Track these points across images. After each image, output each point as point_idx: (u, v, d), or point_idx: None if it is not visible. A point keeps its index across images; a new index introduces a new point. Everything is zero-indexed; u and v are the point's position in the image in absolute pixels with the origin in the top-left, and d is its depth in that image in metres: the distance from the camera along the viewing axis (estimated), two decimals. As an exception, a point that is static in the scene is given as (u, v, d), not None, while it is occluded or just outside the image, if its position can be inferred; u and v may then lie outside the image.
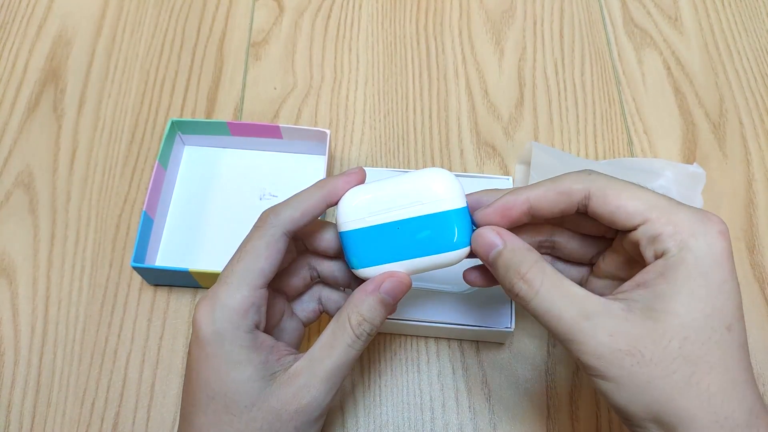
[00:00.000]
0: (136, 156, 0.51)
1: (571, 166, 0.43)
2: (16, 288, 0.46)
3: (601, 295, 0.27)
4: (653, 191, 0.28)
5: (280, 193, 0.49)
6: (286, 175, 0.49)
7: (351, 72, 0.55)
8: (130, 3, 0.59)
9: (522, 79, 0.55)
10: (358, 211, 0.31)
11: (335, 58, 0.56)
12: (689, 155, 0.51)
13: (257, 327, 0.30)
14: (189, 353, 0.30)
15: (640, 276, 0.27)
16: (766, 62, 0.55)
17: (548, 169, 0.45)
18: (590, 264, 0.34)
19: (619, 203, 0.27)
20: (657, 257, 0.27)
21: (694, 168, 0.48)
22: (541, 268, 0.28)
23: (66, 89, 0.54)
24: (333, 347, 0.30)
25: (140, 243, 0.43)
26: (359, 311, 0.30)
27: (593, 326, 0.26)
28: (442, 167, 0.50)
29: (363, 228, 0.31)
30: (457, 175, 0.46)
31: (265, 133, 0.48)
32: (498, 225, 0.30)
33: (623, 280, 0.29)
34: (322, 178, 0.45)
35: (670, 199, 0.27)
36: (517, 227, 0.31)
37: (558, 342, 0.33)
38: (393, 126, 0.53)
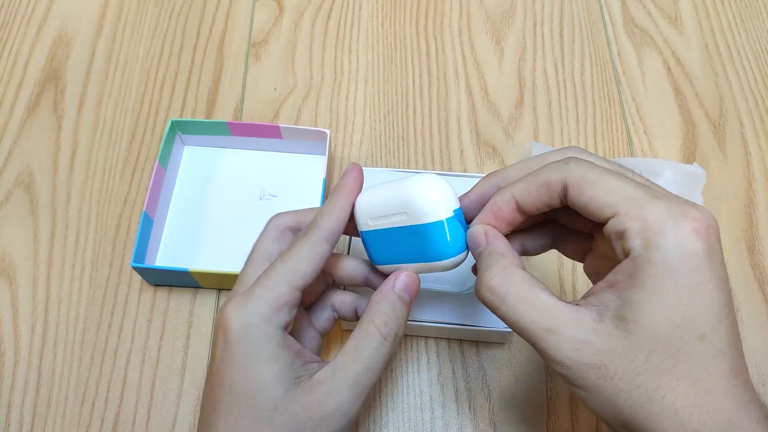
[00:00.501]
0: (136, 156, 0.51)
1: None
2: (16, 288, 0.46)
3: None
4: (634, 181, 0.25)
5: (279, 193, 0.49)
6: (286, 175, 0.49)
7: (351, 72, 0.55)
8: (130, 3, 0.59)
9: (522, 79, 0.55)
10: (362, 215, 0.32)
11: (335, 59, 0.56)
12: (689, 155, 0.51)
13: (285, 329, 0.30)
14: (212, 357, 0.30)
15: (612, 276, 0.25)
16: (766, 62, 0.55)
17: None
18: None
19: (593, 194, 0.25)
20: (626, 255, 0.25)
21: (694, 168, 0.48)
22: (509, 275, 0.27)
23: (66, 89, 0.54)
24: (358, 352, 0.29)
25: (140, 243, 0.43)
26: (382, 311, 0.30)
27: (559, 340, 0.25)
28: (442, 167, 0.51)
29: (370, 231, 0.32)
30: (456, 176, 0.45)
31: (265, 133, 0.48)
32: (495, 227, 0.29)
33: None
34: (322, 178, 0.46)
35: (650, 190, 0.25)
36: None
37: None
38: (393, 126, 0.53)
